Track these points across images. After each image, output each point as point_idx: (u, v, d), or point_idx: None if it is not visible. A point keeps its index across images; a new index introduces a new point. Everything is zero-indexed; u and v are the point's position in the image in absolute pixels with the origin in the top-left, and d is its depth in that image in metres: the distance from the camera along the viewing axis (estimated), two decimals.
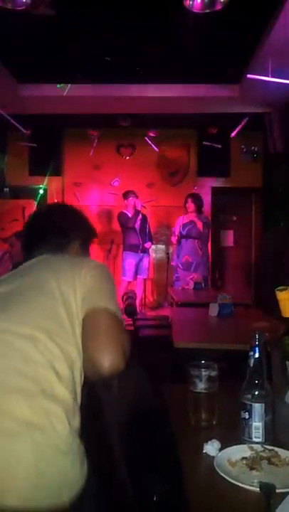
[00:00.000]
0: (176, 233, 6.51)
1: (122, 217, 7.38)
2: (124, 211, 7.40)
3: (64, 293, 1.35)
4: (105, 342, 1.27)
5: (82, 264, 1.46)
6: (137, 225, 7.31)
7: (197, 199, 6.52)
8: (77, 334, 1.30)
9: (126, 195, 7.42)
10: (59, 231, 1.68)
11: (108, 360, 1.23)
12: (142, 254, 7.37)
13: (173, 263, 6.80)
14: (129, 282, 7.41)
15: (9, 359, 1.20)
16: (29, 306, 1.33)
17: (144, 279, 7.73)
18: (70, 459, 1.16)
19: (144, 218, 7.48)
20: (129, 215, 7.33)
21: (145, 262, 7.51)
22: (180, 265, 6.50)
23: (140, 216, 7.38)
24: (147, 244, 7.44)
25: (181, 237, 6.47)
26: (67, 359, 1.25)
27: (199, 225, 6.34)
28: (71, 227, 1.72)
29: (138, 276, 7.50)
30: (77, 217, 1.80)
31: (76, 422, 1.22)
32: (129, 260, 7.31)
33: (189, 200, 6.48)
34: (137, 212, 7.32)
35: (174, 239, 6.61)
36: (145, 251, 7.43)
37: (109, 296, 1.38)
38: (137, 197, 7.37)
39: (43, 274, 1.43)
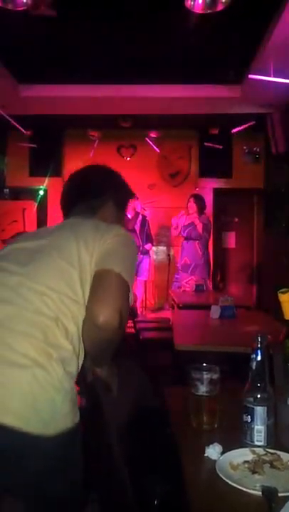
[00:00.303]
0: (178, 230, 6.48)
1: None
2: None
3: (82, 259, 1.43)
4: (104, 297, 1.36)
5: (106, 230, 1.51)
6: (137, 227, 7.30)
7: (199, 200, 6.51)
8: (86, 298, 1.39)
9: None
10: (94, 191, 1.74)
11: (103, 313, 1.32)
12: (141, 255, 7.36)
13: (178, 264, 6.79)
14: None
15: (22, 309, 1.35)
16: (47, 266, 1.43)
17: (144, 281, 7.72)
18: (61, 396, 1.30)
19: (144, 220, 7.47)
20: (129, 216, 7.32)
21: (145, 263, 7.50)
22: (180, 267, 6.50)
23: (140, 218, 7.37)
24: (147, 246, 7.43)
25: (184, 238, 6.47)
26: (74, 318, 1.37)
27: (200, 226, 6.32)
28: (106, 187, 1.75)
29: (138, 278, 7.49)
30: (113, 177, 1.85)
31: (72, 368, 1.36)
32: None
33: (191, 200, 6.47)
34: (136, 214, 7.31)
35: (174, 232, 6.58)
36: (145, 252, 7.42)
37: (122, 260, 1.44)
38: (136, 198, 7.36)
39: (67, 238, 1.50)
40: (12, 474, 1.27)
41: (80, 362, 1.43)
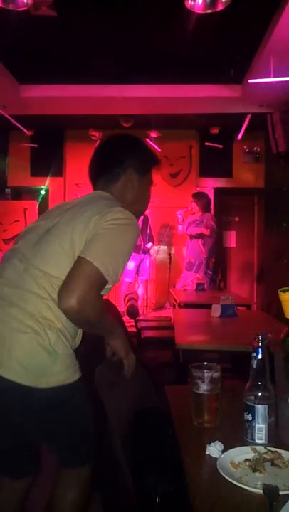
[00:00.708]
0: (184, 224, 6.48)
1: None
2: None
3: (75, 246, 1.56)
4: (67, 284, 1.48)
5: (104, 215, 1.58)
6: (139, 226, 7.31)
7: (200, 198, 6.49)
8: None
9: None
10: (115, 160, 1.79)
11: (62, 299, 1.46)
12: (143, 254, 7.36)
13: (184, 263, 6.79)
14: (130, 283, 7.40)
15: (22, 289, 1.57)
16: (45, 250, 1.61)
17: (146, 280, 7.72)
18: (52, 358, 1.53)
19: (146, 219, 7.47)
20: None
21: (146, 262, 7.50)
22: (184, 266, 6.51)
23: (142, 217, 7.38)
24: (149, 245, 7.43)
25: (189, 236, 6.48)
26: None
27: (203, 225, 6.32)
28: (127, 155, 1.80)
29: (139, 277, 7.49)
30: (133, 144, 1.91)
31: (66, 338, 1.58)
32: (131, 261, 7.30)
33: (192, 201, 6.47)
34: None
35: (181, 227, 6.57)
36: (146, 251, 7.42)
37: (101, 248, 1.52)
38: None
39: (68, 223, 1.62)
40: (18, 415, 1.59)
41: (78, 335, 1.67)
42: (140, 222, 7.28)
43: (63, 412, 1.62)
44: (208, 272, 6.33)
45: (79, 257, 1.50)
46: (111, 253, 1.52)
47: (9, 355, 1.52)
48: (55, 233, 1.62)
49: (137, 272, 7.41)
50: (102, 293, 1.57)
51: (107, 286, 1.56)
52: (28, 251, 1.64)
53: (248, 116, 6.84)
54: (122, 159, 1.79)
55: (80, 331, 1.68)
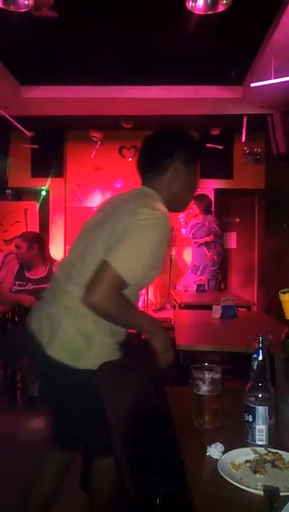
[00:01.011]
0: (188, 228, 6.48)
1: None
2: None
3: (109, 244, 1.68)
4: (91, 283, 1.62)
5: (134, 214, 1.68)
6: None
7: (201, 200, 6.50)
8: None
9: None
10: (164, 152, 1.86)
11: (86, 296, 1.62)
12: None
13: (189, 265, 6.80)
14: None
15: (74, 275, 1.77)
16: (88, 246, 1.78)
17: None
18: (87, 343, 1.74)
19: None
20: None
21: None
22: (190, 269, 6.51)
23: None
24: None
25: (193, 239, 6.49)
26: None
27: (204, 227, 6.32)
28: (175, 147, 1.86)
29: None
30: (182, 137, 1.97)
31: (104, 329, 1.75)
32: None
33: (193, 203, 6.48)
34: None
35: (184, 230, 6.57)
36: None
37: (122, 250, 1.63)
38: None
39: (108, 222, 1.76)
40: (60, 390, 1.82)
41: (119, 330, 1.83)
42: None
43: (92, 396, 1.67)
44: (216, 273, 6.33)
45: (103, 259, 1.62)
46: (133, 255, 1.63)
47: (55, 337, 1.74)
48: (98, 230, 1.78)
49: None
50: (135, 289, 1.78)
51: (132, 287, 1.69)
52: (81, 243, 1.85)
53: (245, 118, 6.85)
54: (171, 151, 1.85)
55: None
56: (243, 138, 7.34)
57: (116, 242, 1.64)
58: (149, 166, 1.89)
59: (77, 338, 1.75)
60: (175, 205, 1.88)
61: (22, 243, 4.15)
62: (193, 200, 6.48)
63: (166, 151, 1.86)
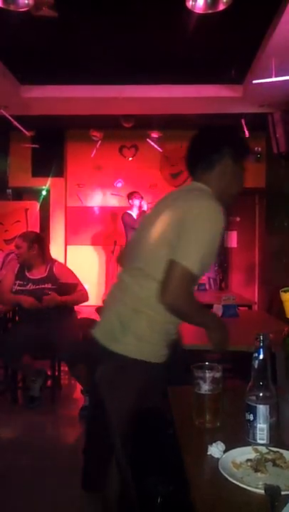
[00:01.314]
0: None
1: (127, 218, 7.34)
2: (129, 212, 7.38)
3: (167, 239, 1.76)
4: (165, 283, 1.71)
5: (191, 210, 1.77)
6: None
7: None
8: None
9: (131, 195, 7.41)
10: (213, 148, 1.93)
11: (161, 296, 1.72)
12: None
13: None
14: None
15: (132, 272, 1.89)
16: (143, 245, 1.88)
17: None
18: (122, 329, 1.83)
19: None
20: (135, 215, 7.31)
21: None
22: None
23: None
24: None
25: None
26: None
27: None
28: (223, 143, 1.93)
29: None
30: (230, 133, 2.07)
31: (150, 324, 1.82)
32: None
33: None
34: (142, 213, 7.30)
35: None
36: None
37: (192, 250, 1.71)
38: (142, 198, 7.36)
39: (167, 217, 1.81)
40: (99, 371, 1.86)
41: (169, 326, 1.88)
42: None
43: (120, 383, 1.79)
44: (216, 272, 6.32)
45: (170, 259, 1.70)
46: (197, 248, 1.71)
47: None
48: (154, 227, 1.84)
49: None
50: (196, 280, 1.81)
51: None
52: (137, 241, 1.94)
53: (243, 120, 6.84)
54: (219, 147, 1.91)
55: (174, 326, 1.92)
56: (247, 135, 7.31)
57: (178, 238, 1.72)
58: (198, 163, 1.95)
59: (113, 322, 1.86)
60: (224, 199, 1.94)
61: (22, 243, 4.15)
62: None
63: (215, 147, 1.92)
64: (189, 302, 1.76)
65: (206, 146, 1.97)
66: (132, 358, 1.79)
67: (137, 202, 7.31)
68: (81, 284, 4.27)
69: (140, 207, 7.30)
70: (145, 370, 1.79)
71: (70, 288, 4.14)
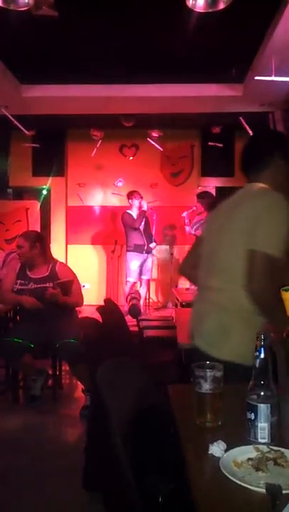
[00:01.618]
0: (190, 225, 6.47)
1: (127, 218, 7.33)
2: (129, 211, 7.37)
3: (241, 233, 1.86)
4: (249, 274, 1.79)
5: (259, 203, 1.91)
6: (142, 226, 7.29)
7: (204, 198, 6.49)
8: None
9: (131, 195, 7.40)
10: (265, 150, 2.09)
11: (247, 287, 1.79)
12: (146, 254, 7.35)
13: None
14: (134, 283, 7.39)
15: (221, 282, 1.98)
16: (225, 242, 1.96)
17: (148, 280, 7.72)
18: (223, 334, 1.90)
19: (147, 219, 7.46)
20: (134, 215, 7.30)
21: (149, 262, 7.50)
22: None
23: (144, 217, 7.37)
24: (152, 245, 7.42)
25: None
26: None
27: None
28: (275, 145, 2.10)
29: (142, 277, 7.49)
30: (281, 137, 2.26)
31: (244, 324, 1.87)
32: (134, 261, 7.29)
33: (197, 201, 6.47)
34: (142, 213, 7.30)
35: (188, 228, 6.55)
36: (149, 251, 7.42)
37: (269, 236, 1.81)
38: (142, 197, 7.35)
39: (237, 215, 1.95)
40: None
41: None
42: (142, 223, 7.27)
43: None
44: None
45: (249, 249, 1.79)
46: (276, 234, 1.80)
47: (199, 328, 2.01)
48: (225, 236, 1.96)
49: (140, 272, 7.41)
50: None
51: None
52: (210, 257, 2.05)
53: (242, 119, 6.83)
54: (271, 149, 2.07)
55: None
56: (251, 132, 7.27)
57: (252, 230, 1.82)
58: (253, 164, 2.11)
59: (217, 330, 1.93)
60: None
61: (24, 242, 4.15)
62: (196, 198, 6.48)
63: (268, 149, 2.08)
64: (274, 291, 1.74)
65: (260, 149, 2.13)
66: (237, 363, 1.77)
67: (136, 202, 7.30)
68: (79, 288, 4.28)
69: (140, 207, 7.29)
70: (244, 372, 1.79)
71: (68, 286, 4.13)
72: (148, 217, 7.50)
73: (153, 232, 7.60)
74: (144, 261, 7.38)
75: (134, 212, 7.32)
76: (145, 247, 7.28)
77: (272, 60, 5.00)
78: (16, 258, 4.39)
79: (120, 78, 6.06)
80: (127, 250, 7.38)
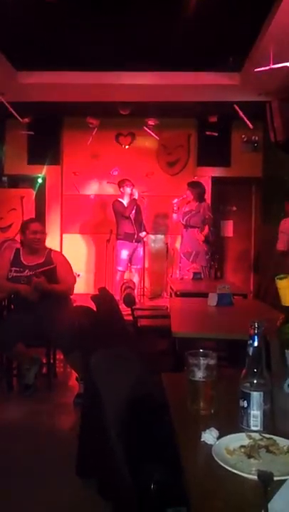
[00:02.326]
0: (179, 214, 6.47)
1: (118, 206, 7.30)
2: (120, 199, 7.35)
3: None
4: None
5: None
6: (132, 215, 7.26)
7: (195, 187, 6.48)
8: None
9: (122, 183, 7.36)
10: None
11: None
12: (136, 243, 7.34)
13: (180, 252, 6.77)
14: (123, 272, 7.39)
15: None
16: None
17: (140, 269, 7.71)
18: None
19: (138, 208, 7.43)
20: (125, 203, 7.28)
21: (139, 251, 7.49)
22: (182, 255, 6.49)
23: (135, 205, 7.34)
24: (142, 234, 7.41)
25: (183, 226, 6.47)
26: None
27: (199, 214, 6.31)
28: None
29: (133, 266, 7.49)
30: None
31: None
32: (124, 250, 7.29)
33: (187, 189, 6.46)
34: (133, 201, 7.26)
35: (176, 216, 6.56)
36: (139, 240, 7.40)
37: None
38: (133, 185, 7.31)
39: None
40: None
41: None
42: (134, 211, 7.24)
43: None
44: (211, 260, 6.32)
45: None
46: None
47: None
48: None
49: (131, 261, 7.40)
50: None
51: None
52: None
53: (237, 107, 6.80)
54: None
55: None
56: (250, 125, 7.23)
57: None
58: None
59: None
60: None
61: (42, 227, 4.27)
62: (187, 186, 6.46)
63: None
64: None
65: None
66: None
67: (128, 190, 7.26)
68: (73, 278, 4.29)
69: (131, 194, 7.25)
70: None
71: (53, 274, 4.13)
72: (139, 206, 7.46)
73: (143, 221, 7.57)
74: (135, 250, 7.36)
75: (125, 201, 7.29)
76: (135, 236, 7.26)
77: (270, 49, 4.97)
78: (10, 246, 4.38)
79: (117, 66, 6.01)
80: (117, 239, 7.36)
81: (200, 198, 6.43)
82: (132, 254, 7.34)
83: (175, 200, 6.57)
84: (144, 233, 7.45)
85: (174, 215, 6.62)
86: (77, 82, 6.29)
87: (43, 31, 5.13)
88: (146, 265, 8.37)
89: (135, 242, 7.28)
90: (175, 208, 6.54)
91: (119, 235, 7.31)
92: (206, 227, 6.27)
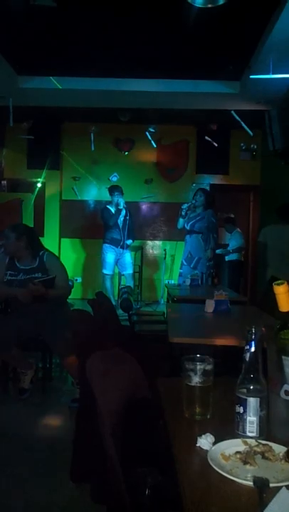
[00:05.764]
0: (183, 221, 6.48)
1: (105, 213, 7.39)
2: (108, 207, 7.41)
3: None
4: None
5: None
6: (120, 222, 7.32)
7: (207, 194, 6.51)
8: None
9: (111, 191, 7.42)
10: None
11: None
12: (121, 249, 7.37)
13: (182, 258, 6.77)
14: (111, 275, 7.42)
15: None
16: None
17: (131, 274, 7.72)
18: None
19: (129, 215, 7.45)
20: (113, 211, 7.33)
21: (127, 257, 7.53)
22: (184, 261, 6.48)
23: (125, 212, 7.36)
24: (128, 242, 7.44)
25: (186, 232, 6.47)
26: None
27: (204, 220, 6.32)
28: None
29: (124, 273, 7.54)
30: None
31: None
32: (110, 254, 7.35)
33: (199, 193, 6.46)
34: (118, 210, 7.30)
35: (182, 221, 6.54)
36: (126, 247, 7.43)
37: None
38: (122, 194, 7.34)
39: None
40: None
41: None
42: (122, 218, 7.28)
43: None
44: (210, 267, 6.32)
45: None
46: None
47: None
48: None
49: (116, 265, 7.46)
50: None
51: None
52: None
53: (233, 112, 6.82)
54: None
55: None
56: (251, 133, 7.24)
57: None
58: None
59: None
60: None
61: (10, 233, 4.14)
62: (200, 191, 6.47)
63: None
64: None
65: None
66: None
67: (115, 199, 7.31)
68: (64, 280, 4.27)
69: (117, 204, 7.29)
70: None
71: (51, 283, 4.11)
72: (130, 213, 7.48)
73: (133, 229, 7.56)
74: (120, 255, 7.40)
75: (113, 209, 7.33)
76: (121, 243, 7.30)
77: (270, 57, 5.00)
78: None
79: (118, 72, 6.04)
80: (104, 242, 7.42)
81: (208, 204, 6.45)
82: (119, 260, 7.41)
83: (184, 206, 6.54)
84: (130, 241, 7.48)
85: (181, 220, 6.58)
86: (77, 88, 6.31)
87: (44, 36, 5.15)
88: (144, 271, 8.38)
89: (120, 248, 7.33)
90: (183, 214, 6.51)
91: (106, 239, 7.39)
92: (212, 241, 6.33)
